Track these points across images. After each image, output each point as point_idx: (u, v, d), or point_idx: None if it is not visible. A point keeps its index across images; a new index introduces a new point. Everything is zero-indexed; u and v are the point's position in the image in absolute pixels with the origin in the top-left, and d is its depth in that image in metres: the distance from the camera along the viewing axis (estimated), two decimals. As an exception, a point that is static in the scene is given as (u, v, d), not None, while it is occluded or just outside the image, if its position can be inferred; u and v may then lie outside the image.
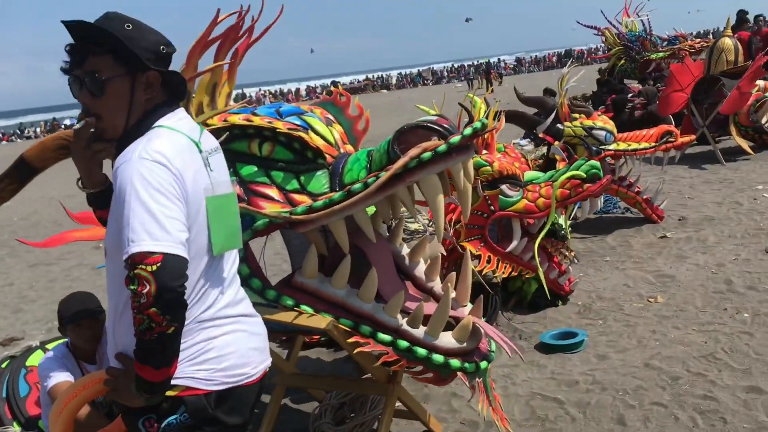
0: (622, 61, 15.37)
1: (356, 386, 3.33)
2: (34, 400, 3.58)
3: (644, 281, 5.02)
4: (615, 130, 6.30)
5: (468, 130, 2.59)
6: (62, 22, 1.83)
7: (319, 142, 2.83)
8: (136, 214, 1.69)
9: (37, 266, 8.18)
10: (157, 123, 1.90)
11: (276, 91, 53.34)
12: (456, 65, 59.57)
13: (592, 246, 6.04)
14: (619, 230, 6.39)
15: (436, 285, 3.06)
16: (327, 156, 2.83)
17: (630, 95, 11.86)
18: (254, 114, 2.88)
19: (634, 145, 6.30)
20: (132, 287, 1.64)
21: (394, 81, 56.35)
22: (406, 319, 2.75)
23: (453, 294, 2.94)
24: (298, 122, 2.89)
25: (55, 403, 2.16)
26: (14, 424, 3.50)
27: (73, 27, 1.86)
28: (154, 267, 1.64)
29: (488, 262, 4.48)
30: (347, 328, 2.71)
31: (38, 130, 35.39)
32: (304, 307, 2.72)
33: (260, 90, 53.12)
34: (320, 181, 2.79)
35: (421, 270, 3.08)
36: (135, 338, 1.70)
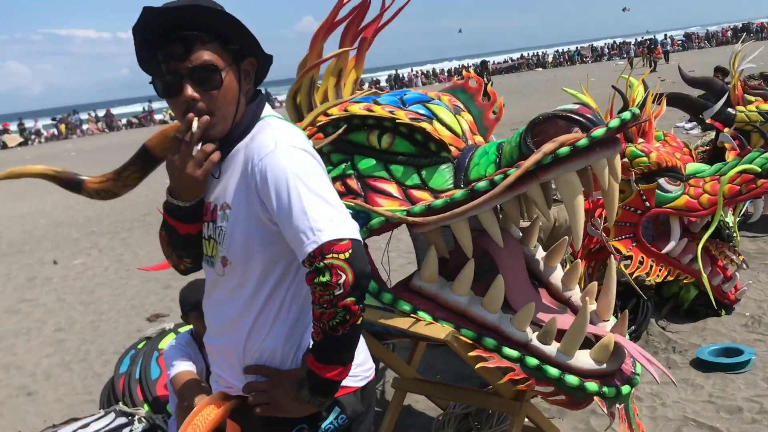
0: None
1: (480, 400, 3.06)
2: (164, 383, 3.64)
3: (828, 292, 4.33)
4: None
5: (615, 122, 2.23)
6: (147, 8, 1.65)
7: (444, 134, 2.56)
8: (310, 202, 1.57)
9: (190, 243, 8.54)
10: (264, 114, 1.77)
11: (428, 72, 53.20)
12: (618, 41, 56.45)
13: (765, 247, 5.33)
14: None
15: (575, 295, 2.72)
16: (452, 148, 2.57)
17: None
18: (376, 103, 2.66)
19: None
20: (323, 279, 1.51)
21: (550, 59, 54.36)
22: (536, 333, 2.45)
23: (593, 307, 2.60)
24: (422, 111, 2.64)
25: None
26: (145, 405, 3.56)
27: (180, 11, 1.64)
28: (347, 254, 1.53)
29: (640, 264, 4.02)
30: (469, 340, 2.45)
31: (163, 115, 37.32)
32: (421, 314, 2.49)
33: (412, 70, 53.21)
34: (443, 176, 2.53)
35: (557, 277, 2.75)
36: (317, 338, 1.58)
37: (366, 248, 2.54)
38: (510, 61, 56.23)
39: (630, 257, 4.05)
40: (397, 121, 2.50)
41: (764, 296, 4.41)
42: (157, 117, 39.80)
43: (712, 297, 3.97)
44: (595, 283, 2.69)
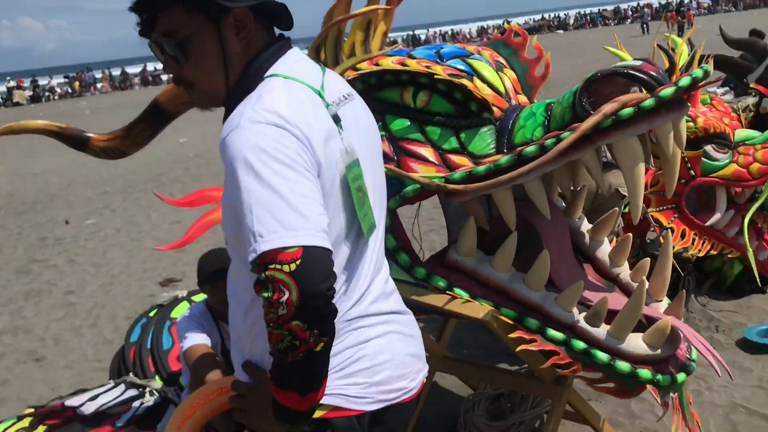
0: None
1: (517, 384, 2.84)
2: (177, 354, 3.46)
3: None
4: None
5: (685, 80, 1.96)
6: None
7: (485, 92, 2.30)
8: (258, 198, 1.28)
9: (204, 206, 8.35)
10: (268, 72, 1.47)
11: (447, 33, 52.30)
12: (642, 3, 55.15)
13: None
14: None
15: (623, 271, 2.49)
16: (495, 109, 2.31)
17: None
18: (410, 56, 2.40)
19: None
20: (265, 295, 1.24)
21: (571, 21, 53.25)
22: (584, 314, 2.22)
23: (647, 286, 2.36)
24: (461, 67, 2.38)
25: (172, 416, 1.88)
26: (156, 377, 3.39)
27: None
28: (293, 266, 1.23)
29: (682, 237, 3.76)
30: (510, 320, 2.23)
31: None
32: (458, 291, 2.26)
33: (429, 31, 52.31)
34: (485, 139, 2.28)
35: (605, 251, 2.52)
36: (272, 357, 1.31)
37: (396, 218, 2.32)
38: (532, 22, 55.06)
39: (671, 229, 3.79)
40: (435, 77, 2.24)
41: (812, 273, 4.14)
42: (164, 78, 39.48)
43: (757, 273, 3.71)
44: (648, 259, 2.46)
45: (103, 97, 35.40)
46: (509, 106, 2.37)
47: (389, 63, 2.34)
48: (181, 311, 3.48)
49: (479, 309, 2.23)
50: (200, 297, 3.48)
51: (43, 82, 39.06)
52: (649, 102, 1.94)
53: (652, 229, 3.75)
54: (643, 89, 2.03)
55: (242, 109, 1.38)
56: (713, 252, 3.86)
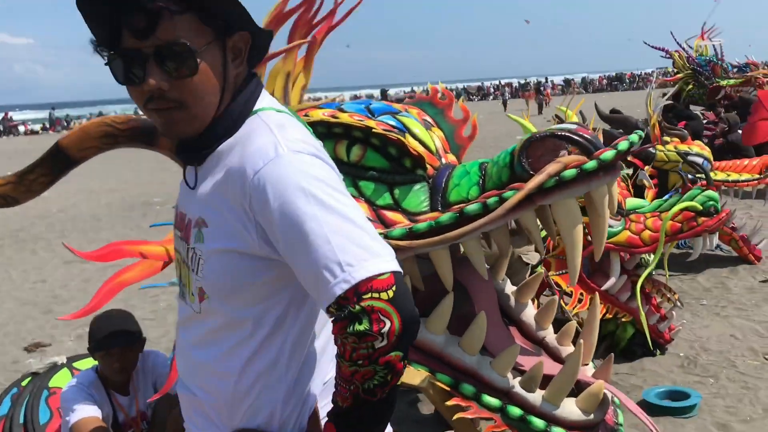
0: (690, 86, 14.56)
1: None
2: (56, 428, 3.07)
3: (754, 333, 4.35)
4: (711, 158, 5.65)
5: (624, 144, 2.01)
6: None
7: (419, 149, 2.26)
8: (333, 227, 1.17)
9: (72, 264, 7.75)
10: (257, 106, 1.34)
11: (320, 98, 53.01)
12: (503, 82, 58.73)
13: (683, 286, 5.36)
14: (711, 269, 5.70)
15: (549, 334, 2.46)
16: (428, 166, 2.27)
17: (706, 122, 11.10)
18: (341, 110, 2.33)
19: (735, 176, 5.65)
20: (360, 328, 1.11)
21: (439, 95, 55.57)
22: (518, 379, 2.17)
23: (570, 348, 2.36)
24: (392, 123, 2.34)
25: None
26: (29, 456, 2.98)
27: None
28: (390, 293, 1.13)
29: (580, 301, 3.86)
30: (446, 387, 2.13)
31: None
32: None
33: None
34: (419, 196, 2.22)
35: (530, 314, 2.49)
36: (344, 404, 1.18)
37: None
38: (403, 93, 57.03)
39: (570, 293, 3.88)
40: (373, 131, 2.17)
41: (694, 336, 4.36)
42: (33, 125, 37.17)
43: (649, 337, 3.85)
44: (574, 323, 2.46)
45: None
46: (440, 164, 2.34)
47: (321, 115, 2.26)
48: (62, 380, 3.10)
49: (416, 375, 2.13)
50: (85, 364, 3.13)
51: None
52: (591, 164, 1.96)
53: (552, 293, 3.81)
54: (579, 151, 2.05)
55: (262, 142, 1.24)
56: (608, 316, 3.98)
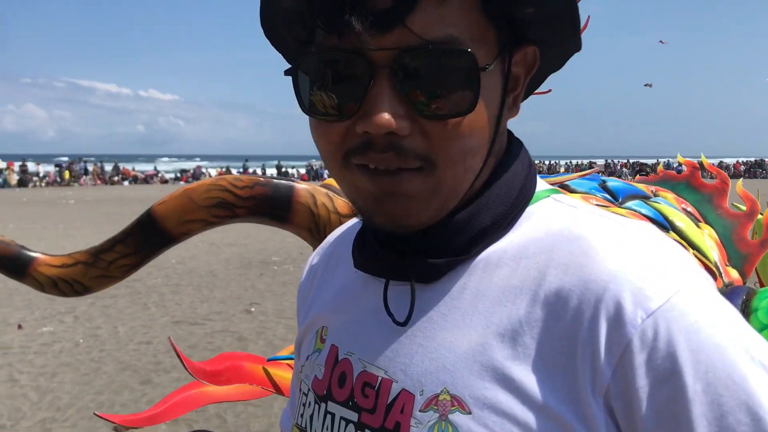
0: None
1: None
2: None
3: None
4: None
5: None
6: None
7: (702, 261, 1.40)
8: None
9: (181, 324, 7.26)
10: (539, 188, 0.76)
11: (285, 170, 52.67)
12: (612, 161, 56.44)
13: None
14: None
15: None
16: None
17: None
18: (565, 187, 1.53)
19: None
20: None
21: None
22: None
23: None
24: (645, 212, 1.51)
25: None
26: None
27: None
28: None
29: None
30: None
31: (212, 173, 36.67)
32: None
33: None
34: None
35: None
36: None
37: None
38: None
39: None
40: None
41: None
42: (167, 175, 38.81)
43: None
44: None
45: (90, 189, 34.63)
46: (723, 284, 1.47)
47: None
48: None
49: None
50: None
51: (32, 168, 38.45)
52: None
53: None
54: None
55: (637, 275, 0.64)
56: None
